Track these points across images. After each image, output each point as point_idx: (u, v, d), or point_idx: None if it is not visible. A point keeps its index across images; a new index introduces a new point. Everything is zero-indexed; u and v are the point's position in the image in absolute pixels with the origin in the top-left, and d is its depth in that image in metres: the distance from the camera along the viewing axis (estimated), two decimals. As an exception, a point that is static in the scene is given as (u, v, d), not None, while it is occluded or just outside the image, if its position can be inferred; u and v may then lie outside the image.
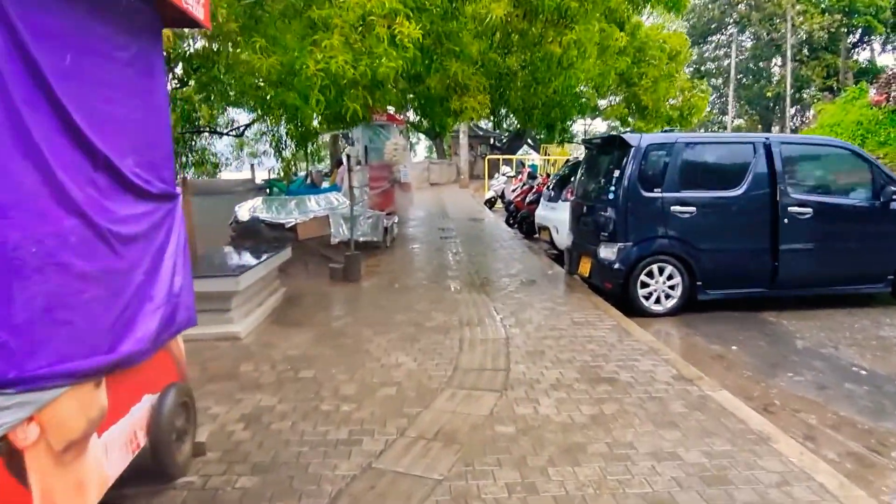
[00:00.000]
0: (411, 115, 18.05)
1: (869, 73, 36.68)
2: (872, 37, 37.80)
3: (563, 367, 4.79)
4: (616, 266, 6.94)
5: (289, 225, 8.26)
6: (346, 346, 5.40)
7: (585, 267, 7.67)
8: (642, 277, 6.95)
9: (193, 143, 13.54)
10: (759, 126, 41.52)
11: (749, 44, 40.09)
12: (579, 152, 38.22)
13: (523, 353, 5.16)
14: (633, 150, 6.93)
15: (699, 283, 6.97)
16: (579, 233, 7.99)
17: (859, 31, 36.85)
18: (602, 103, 28.56)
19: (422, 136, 42.01)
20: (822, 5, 34.51)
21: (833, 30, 32.84)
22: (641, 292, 6.96)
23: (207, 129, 14.93)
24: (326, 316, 6.46)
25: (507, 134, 43.68)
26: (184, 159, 14.65)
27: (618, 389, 4.35)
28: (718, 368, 5.33)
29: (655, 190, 6.89)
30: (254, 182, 10.47)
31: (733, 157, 7.09)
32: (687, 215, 6.88)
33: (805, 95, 36.68)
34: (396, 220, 12.16)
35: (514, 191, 18.25)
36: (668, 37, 11.32)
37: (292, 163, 11.62)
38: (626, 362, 4.93)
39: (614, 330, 5.87)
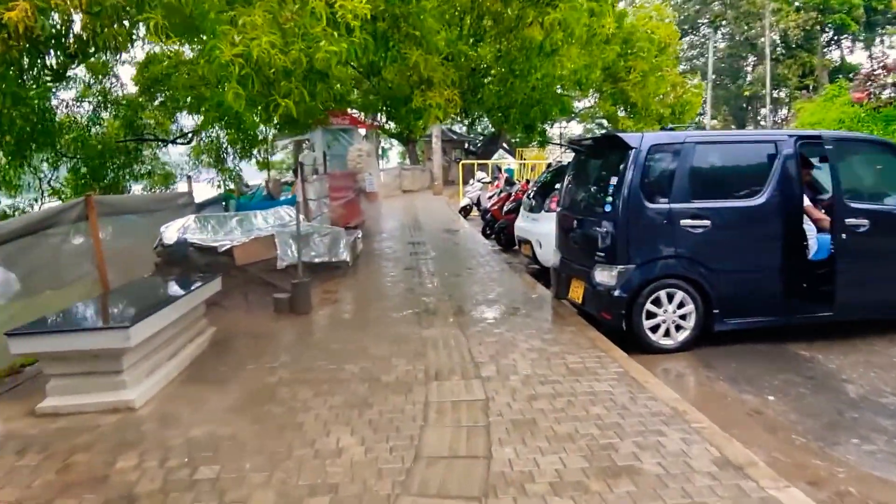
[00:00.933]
0: (379, 119, 16.71)
1: (842, 72, 36.33)
2: (844, 35, 37.49)
3: (563, 449, 3.49)
4: (616, 293, 5.69)
5: (223, 248, 6.87)
6: (273, 417, 4.05)
7: (577, 292, 6.42)
8: (648, 306, 5.71)
9: (139, 152, 12.04)
10: (734, 126, 40.98)
11: (723, 44, 39.53)
12: (556, 156, 37.14)
13: (509, 423, 3.85)
14: (633, 152, 5.70)
15: (715, 310, 5.75)
16: (569, 251, 6.73)
17: (831, 30, 36.48)
18: (580, 105, 27.69)
19: (395, 141, 40.71)
20: (797, 3, 34.03)
21: (808, 27, 32.32)
22: (647, 324, 5.73)
23: (153, 137, 13.43)
24: (258, 367, 5.09)
25: (481, 138, 42.56)
26: (127, 171, 13.13)
27: (644, 489, 3.07)
28: (758, 430, 4.10)
29: (661, 200, 5.67)
30: (191, 196, 9.03)
31: (753, 158, 5.90)
32: (700, 230, 5.66)
33: (780, 94, 36.15)
34: (360, 235, 10.82)
35: (490, 198, 17.00)
36: (656, 27, 10.20)
37: (235, 173, 10.24)
38: (646, 436, 3.65)
39: (622, 381, 4.59)
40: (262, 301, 7.02)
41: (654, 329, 5.75)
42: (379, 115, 11.89)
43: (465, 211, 18.34)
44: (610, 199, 5.79)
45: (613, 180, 5.81)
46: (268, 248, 7.40)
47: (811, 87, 32.04)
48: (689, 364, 5.52)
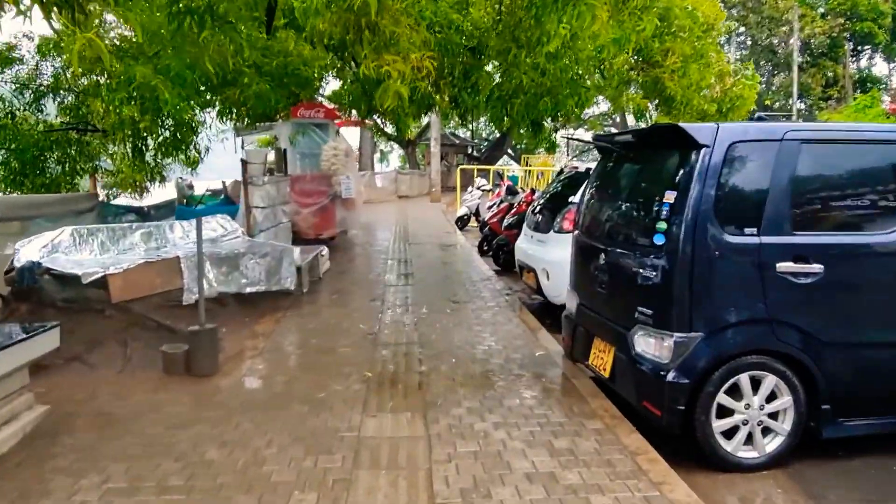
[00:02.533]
0: (373, 117, 14.54)
1: (867, 83, 34.13)
2: (869, 46, 35.28)
3: None
4: (670, 376, 3.52)
5: (91, 277, 4.72)
6: None
7: (603, 359, 4.25)
8: (721, 397, 3.54)
9: (85, 144, 9.91)
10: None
11: (742, 52, 37.33)
12: (563, 163, 35.06)
13: None
14: (703, 153, 3.54)
15: (825, 406, 3.59)
16: (591, 295, 4.56)
17: (855, 39, 34.29)
18: (589, 112, 25.52)
19: (396, 145, 38.63)
20: (821, 9, 31.87)
21: (834, 34, 30.13)
22: (718, 425, 3.56)
23: (95, 127, 11.30)
24: (70, 490, 2.93)
25: (486, 143, 40.40)
26: (66, 167, 11.00)
27: None
28: None
29: (747, 231, 3.51)
30: (96, 198, 6.91)
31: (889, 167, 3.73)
32: (807, 280, 3.51)
33: (802, 104, 33.91)
34: (325, 252, 8.66)
35: (490, 208, 14.84)
36: (698, 2, 8.03)
37: (159, 170, 8.06)
38: None
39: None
40: (148, 356, 4.85)
41: (730, 434, 3.59)
42: (350, 107, 9.71)
43: (462, 221, 16.17)
44: (662, 224, 3.62)
45: (669, 197, 3.64)
46: (169, 275, 5.25)
47: (837, 98, 29.84)
48: (782, 491, 3.36)
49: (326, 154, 10.87)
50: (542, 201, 7.63)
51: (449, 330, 6.00)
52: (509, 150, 40.08)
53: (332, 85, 17.74)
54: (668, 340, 3.56)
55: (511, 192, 11.62)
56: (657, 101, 7.68)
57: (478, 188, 16.13)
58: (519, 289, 8.53)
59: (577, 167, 7.36)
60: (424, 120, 29.52)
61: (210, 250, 6.02)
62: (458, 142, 33.57)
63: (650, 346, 3.69)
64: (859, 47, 35.56)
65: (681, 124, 3.67)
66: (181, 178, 8.95)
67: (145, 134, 6.49)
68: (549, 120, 8.15)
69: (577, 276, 4.95)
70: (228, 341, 5.45)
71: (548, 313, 6.91)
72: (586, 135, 48.00)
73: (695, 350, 3.50)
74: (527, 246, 7.47)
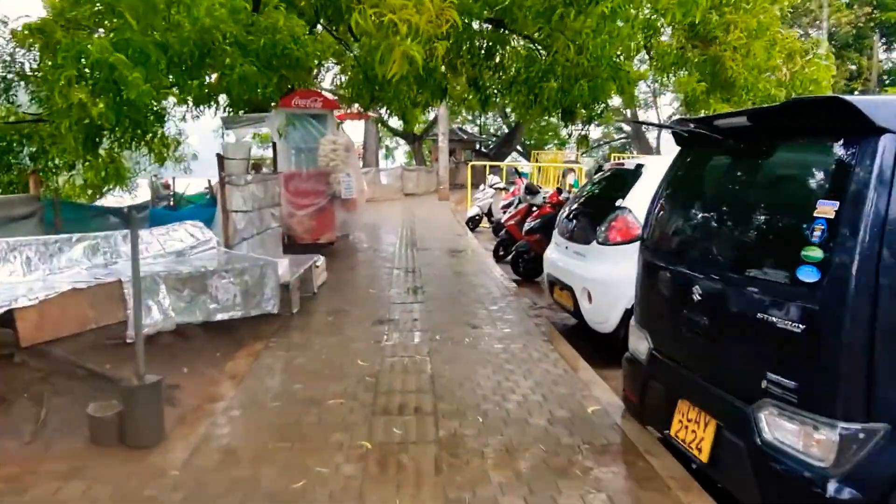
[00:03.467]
0: (376, 109, 13.23)
1: (892, 74, 32.64)
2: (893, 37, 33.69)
3: None
4: (835, 490, 2.24)
5: (-10, 315, 3.48)
6: None
7: (697, 436, 2.98)
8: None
9: (27, 137, 8.68)
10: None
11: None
12: (594, 160, 33.78)
13: None
14: (879, 143, 2.25)
15: None
16: (676, 341, 3.26)
17: (882, 30, 32.71)
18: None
19: (401, 140, 37.32)
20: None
21: (861, 24, 28.61)
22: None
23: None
24: None
25: (494, 138, 39.07)
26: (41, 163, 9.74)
27: None
28: None
29: (955, 262, 2.22)
30: (36, 200, 5.68)
31: None
32: None
33: (824, 99, 32.37)
34: (319, 262, 7.39)
35: (504, 208, 13.56)
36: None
37: (119, 167, 6.72)
38: None
39: None
40: (72, 418, 3.58)
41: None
42: (350, 97, 8.43)
43: (474, 222, 14.90)
44: (816, 252, 2.33)
45: (825, 210, 2.34)
46: (107, 305, 3.99)
47: (866, 90, 28.34)
48: None
49: (324, 149, 9.59)
50: (577, 204, 6.32)
51: (470, 369, 4.72)
52: (518, 147, 38.76)
53: (329, 83, 16.48)
54: (827, 432, 2.28)
55: (531, 191, 10.33)
56: (715, 85, 6.37)
57: (490, 186, 14.87)
58: (544, 304, 7.27)
59: (622, 163, 6.05)
60: (431, 114, 28.22)
61: (170, 268, 4.75)
62: (465, 137, 32.24)
63: (793, 435, 2.41)
64: (885, 38, 33.99)
65: (848, 97, 2.36)
66: (155, 175, 7.73)
67: (100, 122, 5.20)
68: (583, 107, 6.83)
69: (648, 308, 3.67)
70: (188, 389, 4.19)
71: (585, 337, 5.65)
72: (596, 131, 46.54)
73: (876, 451, 2.22)
74: (559, 258, 6.18)
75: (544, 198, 9.78)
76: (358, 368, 4.71)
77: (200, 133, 19.03)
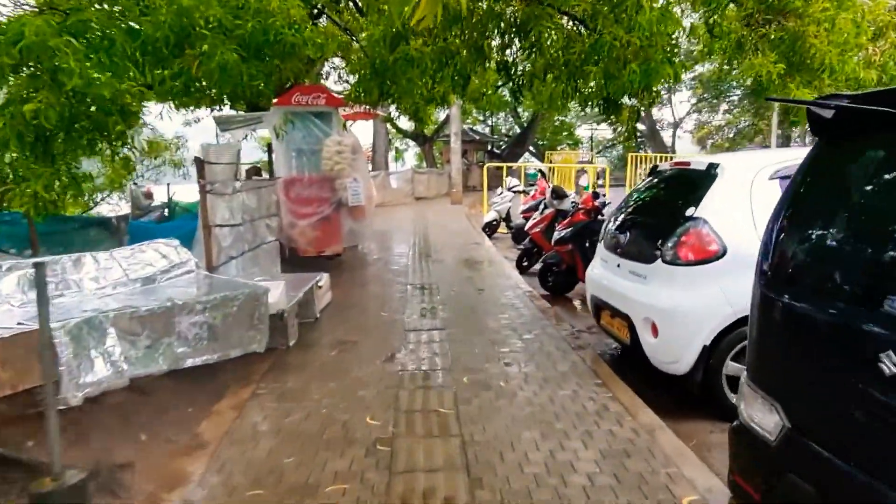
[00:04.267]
0: (384, 107, 12.13)
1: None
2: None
3: None
4: None
5: None
6: None
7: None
8: None
9: None
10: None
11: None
12: (581, 157, 32.63)
13: None
14: None
15: None
16: (846, 428, 2.17)
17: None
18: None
19: (411, 142, 36.31)
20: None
21: None
22: None
23: None
24: None
25: (506, 139, 37.98)
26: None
27: None
28: None
29: None
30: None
31: None
32: None
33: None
34: (321, 282, 6.35)
35: (523, 213, 12.49)
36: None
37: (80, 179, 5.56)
38: None
39: None
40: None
41: None
42: (357, 92, 7.39)
43: (491, 228, 13.83)
44: None
45: None
46: (27, 362, 2.95)
47: None
48: None
49: (329, 151, 8.57)
50: (629, 213, 5.21)
51: (511, 430, 3.64)
52: (531, 147, 37.64)
53: (334, 82, 15.47)
54: None
55: (558, 195, 9.25)
56: (792, 65, 5.25)
57: (509, 189, 13.80)
58: (583, 326, 6.21)
59: (686, 163, 4.93)
60: (442, 114, 27.15)
61: (127, 303, 3.71)
62: (477, 138, 31.18)
63: None
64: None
65: None
66: (135, 183, 6.75)
67: (35, 121, 4.18)
68: (628, 96, 5.74)
69: (779, 367, 2.58)
70: (142, 467, 3.15)
71: (640, 370, 4.56)
72: (608, 130, 45.40)
73: None
74: (609, 278, 5.08)
75: (575, 203, 8.69)
76: (367, 430, 3.65)
77: (204, 136, 18.01)
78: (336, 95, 8.79)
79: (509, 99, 31.02)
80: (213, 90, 5.77)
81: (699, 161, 4.73)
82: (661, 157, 23.97)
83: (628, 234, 4.96)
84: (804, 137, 32.41)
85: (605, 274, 5.20)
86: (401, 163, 38.47)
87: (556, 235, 8.03)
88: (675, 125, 46.22)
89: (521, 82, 5.73)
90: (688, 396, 4.28)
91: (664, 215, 4.68)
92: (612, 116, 6.03)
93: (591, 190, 14.05)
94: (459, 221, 15.56)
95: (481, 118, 37.84)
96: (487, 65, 5.53)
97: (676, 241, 4.25)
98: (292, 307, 5.20)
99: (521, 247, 12.03)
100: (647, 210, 5.07)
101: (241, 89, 5.92)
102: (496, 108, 33.46)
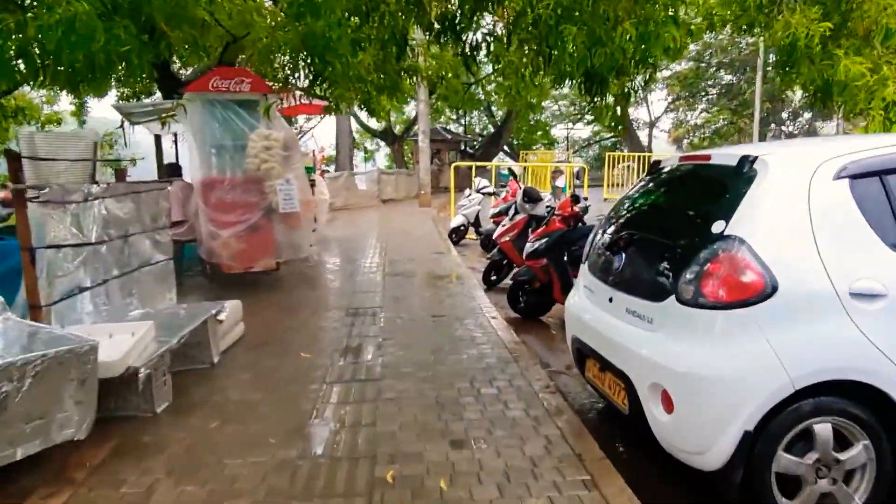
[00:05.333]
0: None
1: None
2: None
3: None
4: None
5: None
6: None
7: None
8: None
9: None
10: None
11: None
12: (558, 158, 31.44)
13: None
14: None
15: None
16: None
17: None
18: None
19: (382, 142, 34.71)
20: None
21: None
22: None
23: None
24: None
25: (480, 138, 36.59)
26: None
27: None
28: None
29: None
30: None
31: None
32: None
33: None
34: (228, 313, 4.81)
35: (493, 217, 11.07)
36: None
37: None
38: None
39: None
40: None
41: None
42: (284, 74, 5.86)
43: (458, 234, 12.39)
44: None
45: None
46: None
47: None
48: None
49: (254, 147, 7.04)
50: (624, 226, 3.78)
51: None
52: (505, 147, 36.31)
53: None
54: None
55: (531, 198, 7.82)
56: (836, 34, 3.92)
57: (477, 191, 12.37)
58: (563, 366, 4.81)
59: (705, 156, 3.47)
60: (411, 111, 25.60)
61: None
62: (450, 137, 29.72)
63: None
64: None
65: None
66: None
67: None
68: (616, 74, 4.33)
69: None
70: None
71: (648, 447, 3.15)
72: (585, 129, 44.42)
73: None
74: (595, 313, 3.64)
75: (551, 208, 7.28)
76: None
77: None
78: (261, 80, 7.24)
79: (480, 95, 29.60)
80: (57, 60, 4.19)
81: (725, 154, 3.31)
82: (639, 157, 22.77)
83: (624, 255, 3.51)
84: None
85: (590, 308, 3.76)
86: (372, 163, 36.85)
87: (528, 247, 6.61)
88: (652, 124, 45.36)
89: (474, 46, 4.27)
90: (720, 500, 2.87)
91: (677, 232, 3.26)
92: (595, 98, 4.59)
93: (568, 192, 12.70)
94: (425, 226, 14.09)
95: (454, 117, 36.42)
96: (431, 21, 4.04)
97: (700, 272, 2.82)
98: (157, 360, 3.67)
99: (489, 257, 10.59)
100: (651, 223, 3.63)
101: (102, 59, 4.36)
102: (466, 69, 31.61)
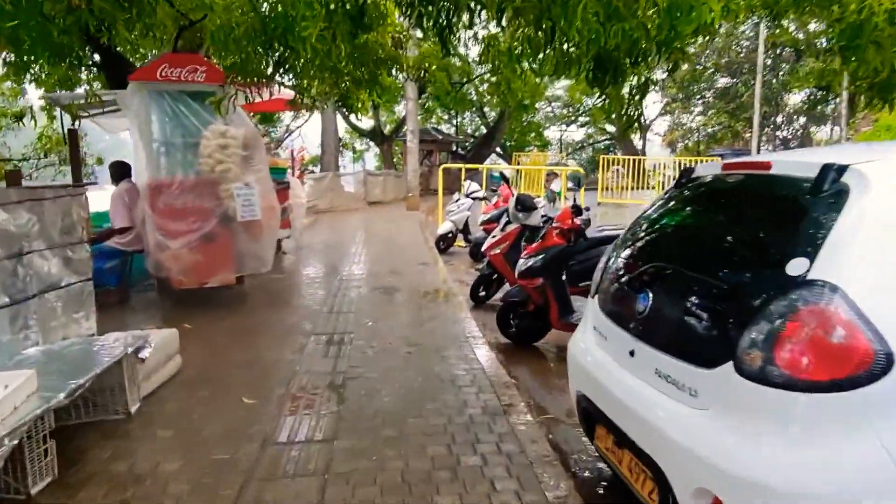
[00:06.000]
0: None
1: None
2: None
3: None
4: None
5: None
6: None
7: None
8: None
9: None
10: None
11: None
12: (551, 160, 30.91)
13: None
14: None
15: None
16: None
17: None
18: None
19: (371, 142, 33.75)
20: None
21: None
22: None
23: None
24: None
25: (472, 139, 35.71)
26: None
27: None
28: None
29: None
30: None
31: None
32: None
33: None
34: (148, 353, 3.87)
35: (484, 225, 10.20)
36: None
37: None
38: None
39: None
40: None
41: None
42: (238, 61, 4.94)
43: (445, 241, 11.49)
44: None
45: None
46: None
47: None
48: None
49: (208, 145, 6.11)
50: (643, 253, 2.90)
51: None
52: (497, 148, 35.46)
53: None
54: None
55: (524, 206, 6.93)
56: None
57: (467, 195, 11.46)
58: (563, 412, 3.92)
59: (763, 165, 2.57)
60: (401, 110, 24.61)
61: None
62: (441, 138, 28.85)
63: None
64: None
65: None
66: None
67: None
68: (631, 61, 3.44)
69: None
70: None
71: None
72: (579, 132, 43.92)
73: None
74: (609, 367, 2.74)
75: (547, 218, 6.40)
76: None
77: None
78: (216, 67, 6.30)
79: (472, 95, 28.55)
80: None
81: (794, 161, 2.42)
82: (634, 161, 21.92)
83: (651, 295, 2.61)
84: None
85: (603, 360, 2.86)
86: (361, 164, 35.87)
87: (521, 263, 5.71)
88: (646, 127, 44.69)
89: (449, 22, 3.37)
90: None
91: (733, 269, 2.35)
92: (606, 91, 3.71)
93: (563, 197, 11.82)
94: (411, 231, 13.18)
95: (446, 117, 35.54)
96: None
97: (772, 334, 1.93)
98: (19, 428, 2.74)
99: (478, 269, 9.70)
100: (690, 254, 2.71)
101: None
102: (443, 51, 30.49)
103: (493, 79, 25.70)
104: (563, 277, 5.61)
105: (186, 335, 4.92)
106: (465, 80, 29.79)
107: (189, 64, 6.16)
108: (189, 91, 6.13)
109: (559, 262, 5.53)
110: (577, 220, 5.50)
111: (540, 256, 5.50)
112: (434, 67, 6.35)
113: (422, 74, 6.50)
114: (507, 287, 7.26)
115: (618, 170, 23.16)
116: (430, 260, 9.52)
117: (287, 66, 5.26)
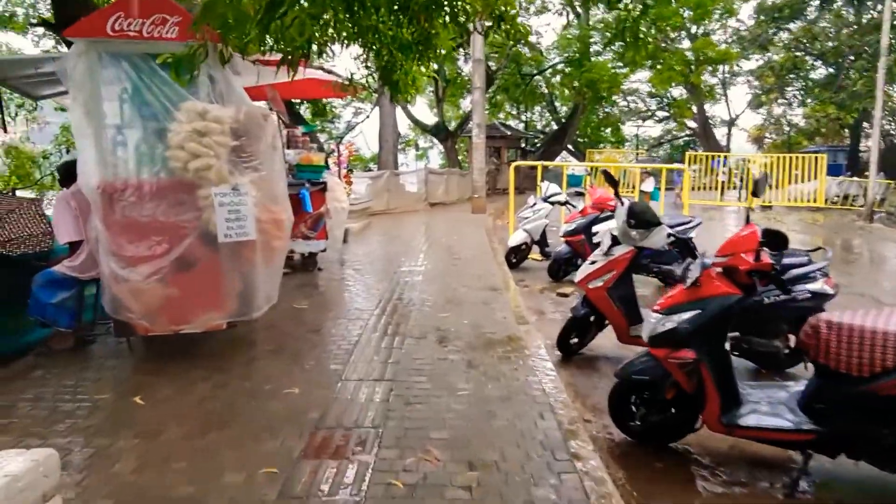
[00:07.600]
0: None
1: None
2: None
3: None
4: None
5: None
6: None
7: None
8: None
9: None
10: None
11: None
12: (630, 157, 28.16)
13: None
14: None
15: None
16: None
17: None
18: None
19: (435, 139, 31.76)
20: None
21: None
22: None
23: None
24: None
25: (542, 135, 33.09)
26: None
27: None
28: None
29: None
30: None
31: None
32: None
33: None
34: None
35: (566, 237, 7.90)
36: None
37: None
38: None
39: None
40: None
41: None
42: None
43: (518, 255, 9.24)
44: None
45: None
46: None
47: None
48: None
49: (179, 132, 4.11)
50: None
51: None
52: (569, 145, 32.69)
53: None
54: None
55: (638, 219, 4.60)
56: None
57: (545, 199, 9.15)
58: None
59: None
60: (467, 106, 22.42)
61: None
62: (509, 134, 26.40)
63: None
64: None
65: None
66: None
67: None
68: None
69: None
70: None
71: None
72: (655, 128, 40.62)
73: None
74: None
75: (677, 238, 4.03)
76: None
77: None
78: (182, 9, 4.28)
79: (542, 87, 25.95)
80: None
81: None
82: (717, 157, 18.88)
83: None
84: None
85: None
86: (426, 162, 33.90)
87: (653, 322, 3.39)
88: (731, 122, 40.66)
89: None
90: None
91: None
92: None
93: (661, 197, 9.29)
94: (477, 240, 10.97)
95: (514, 112, 33.07)
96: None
97: None
98: None
99: (561, 293, 7.41)
100: None
101: None
102: (527, 98, 28.40)
103: (568, 69, 23.09)
104: (728, 347, 3.27)
105: (129, 417, 2.95)
106: (535, 71, 27.31)
107: (156, 12, 4.18)
108: (156, 52, 4.15)
109: (724, 324, 3.20)
110: (766, 259, 3.09)
111: (692, 314, 3.17)
112: (513, 13, 4.13)
113: (496, 23, 4.28)
114: (609, 329, 4.97)
115: (696, 169, 20.31)
116: (501, 283, 7.27)
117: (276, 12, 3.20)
